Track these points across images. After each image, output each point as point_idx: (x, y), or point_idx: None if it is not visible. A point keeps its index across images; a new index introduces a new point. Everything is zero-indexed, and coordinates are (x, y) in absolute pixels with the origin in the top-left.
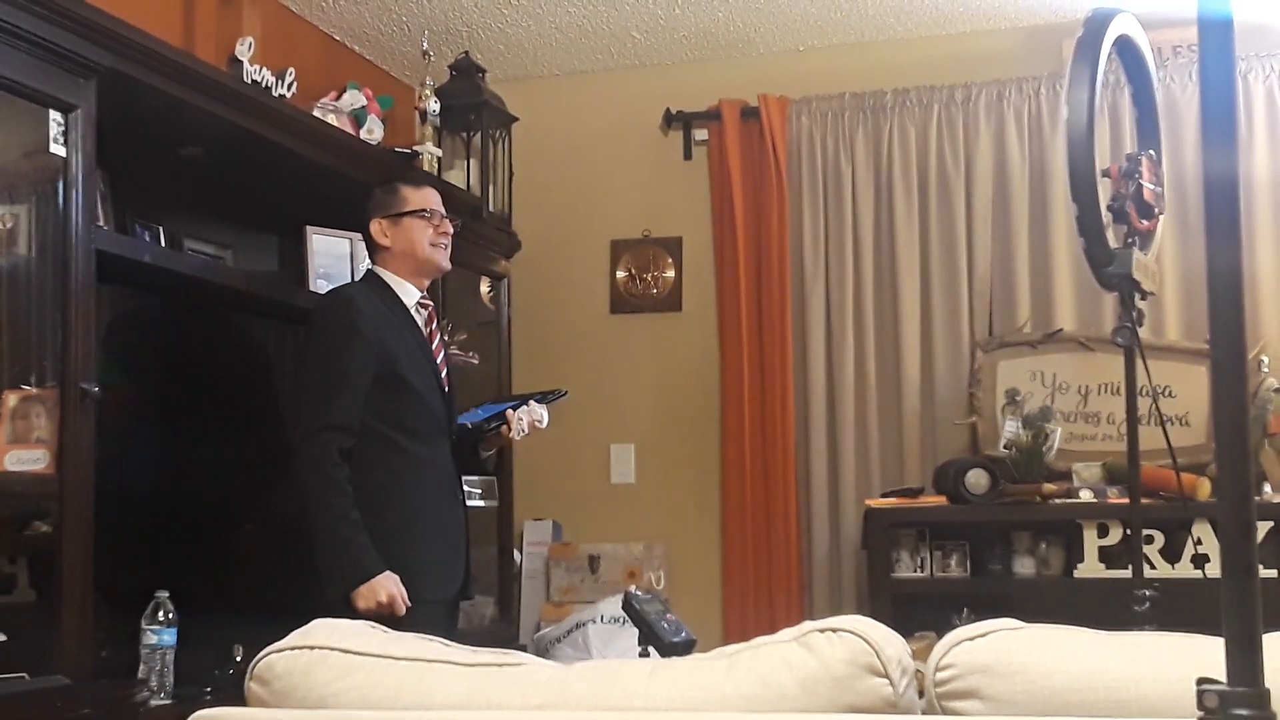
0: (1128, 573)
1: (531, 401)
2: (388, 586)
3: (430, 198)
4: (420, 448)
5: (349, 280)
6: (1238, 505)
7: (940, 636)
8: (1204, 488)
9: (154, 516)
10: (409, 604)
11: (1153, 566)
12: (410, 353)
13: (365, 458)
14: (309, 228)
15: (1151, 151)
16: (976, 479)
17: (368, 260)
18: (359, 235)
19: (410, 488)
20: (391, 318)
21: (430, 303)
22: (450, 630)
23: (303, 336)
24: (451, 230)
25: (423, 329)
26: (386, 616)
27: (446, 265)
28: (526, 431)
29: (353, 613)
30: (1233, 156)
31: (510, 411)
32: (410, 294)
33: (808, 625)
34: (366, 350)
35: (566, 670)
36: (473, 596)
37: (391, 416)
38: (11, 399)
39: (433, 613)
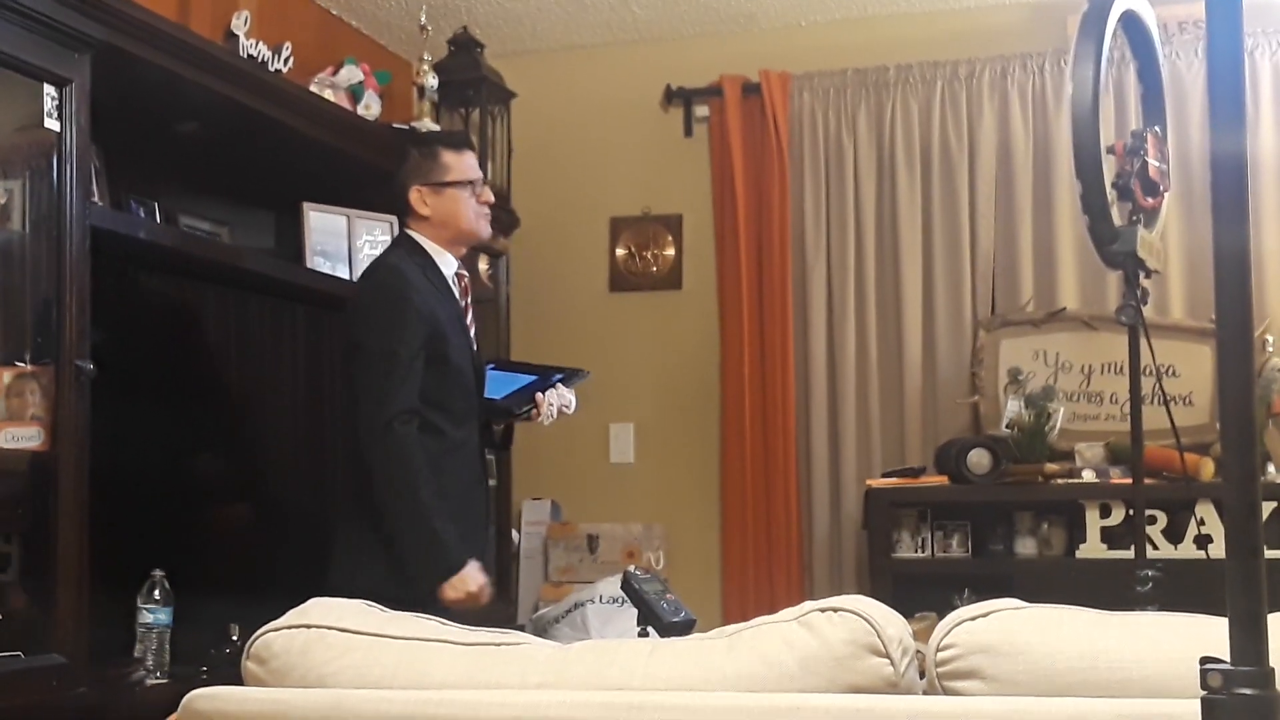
0: (1130, 553)
1: (559, 385)
2: (476, 577)
3: (471, 164)
4: (456, 430)
5: (345, 256)
6: (1243, 485)
7: (941, 617)
8: (1207, 468)
9: (149, 494)
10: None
11: (1155, 547)
12: (453, 329)
13: None
14: (305, 204)
15: (1157, 128)
16: (978, 459)
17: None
18: (356, 211)
19: (445, 472)
20: (435, 291)
21: (466, 274)
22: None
23: (351, 312)
24: (492, 198)
25: (460, 301)
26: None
27: (489, 234)
28: (555, 417)
29: (438, 604)
30: (1240, 134)
31: (539, 395)
32: (449, 264)
33: (808, 605)
34: (423, 331)
35: (565, 650)
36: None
37: (433, 398)
38: (5, 376)
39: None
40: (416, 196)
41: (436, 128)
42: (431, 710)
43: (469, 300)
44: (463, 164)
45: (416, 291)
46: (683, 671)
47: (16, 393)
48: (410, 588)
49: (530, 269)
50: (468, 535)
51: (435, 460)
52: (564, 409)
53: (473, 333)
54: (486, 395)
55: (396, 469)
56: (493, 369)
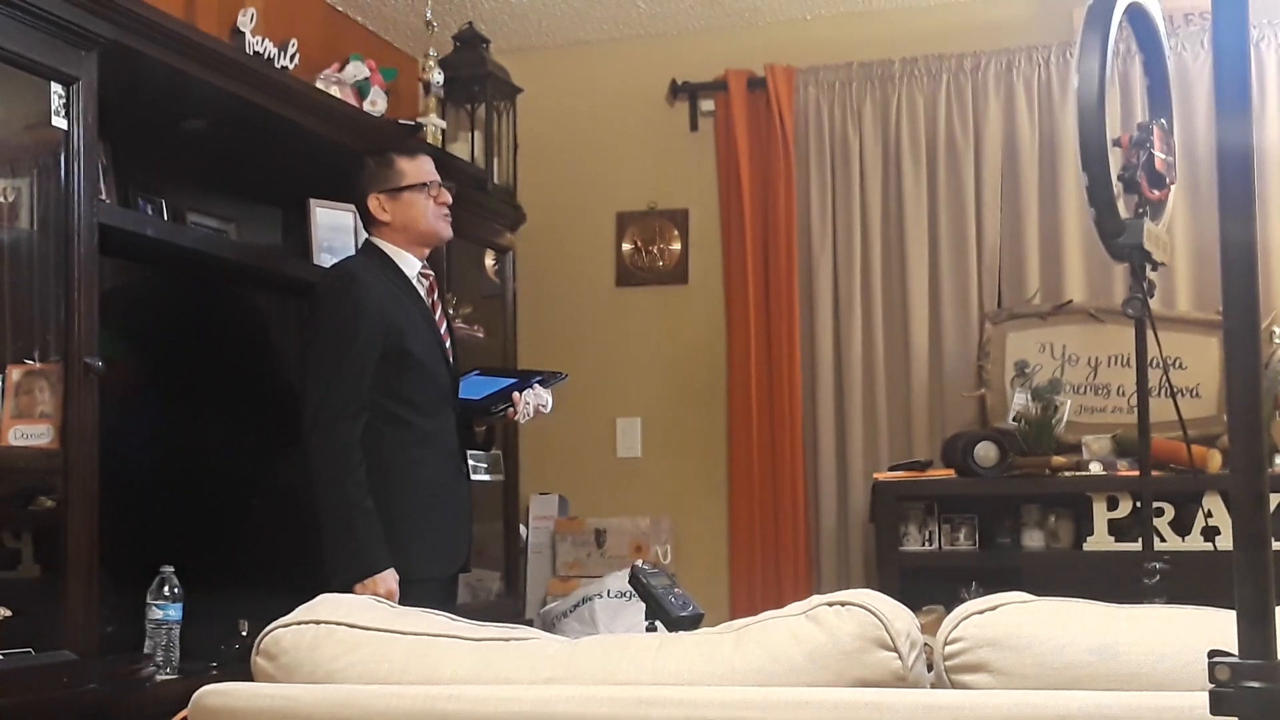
0: (1137, 546)
1: (536, 385)
2: (388, 583)
3: (426, 168)
4: (426, 422)
5: (352, 252)
6: (1251, 477)
7: (949, 610)
8: (1214, 460)
9: (158, 491)
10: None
11: (1163, 539)
12: (415, 325)
13: (371, 434)
14: (312, 200)
15: (1163, 120)
16: (985, 452)
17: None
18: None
19: (416, 463)
20: (395, 290)
21: (432, 272)
22: (450, 604)
23: (306, 314)
24: (450, 198)
25: (425, 300)
26: None
27: (449, 234)
28: (531, 416)
29: None
30: (1246, 126)
31: (516, 394)
32: (411, 264)
33: (816, 599)
34: (372, 328)
35: (573, 645)
36: (470, 569)
37: (397, 391)
38: (15, 374)
39: (436, 589)
40: (375, 204)
41: (443, 124)
42: (441, 705)
43: (436, 297)
44: (417, 168)
45: (365, 289)
46: (691, 666)
47: (26, 390)
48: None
49: (536, 264)
50: (441, 529)
51: (405, 449)
52: (540, 408)
53: (444, 328)
54: (466, 395)
55: (326, 464)
56: (477, 374)
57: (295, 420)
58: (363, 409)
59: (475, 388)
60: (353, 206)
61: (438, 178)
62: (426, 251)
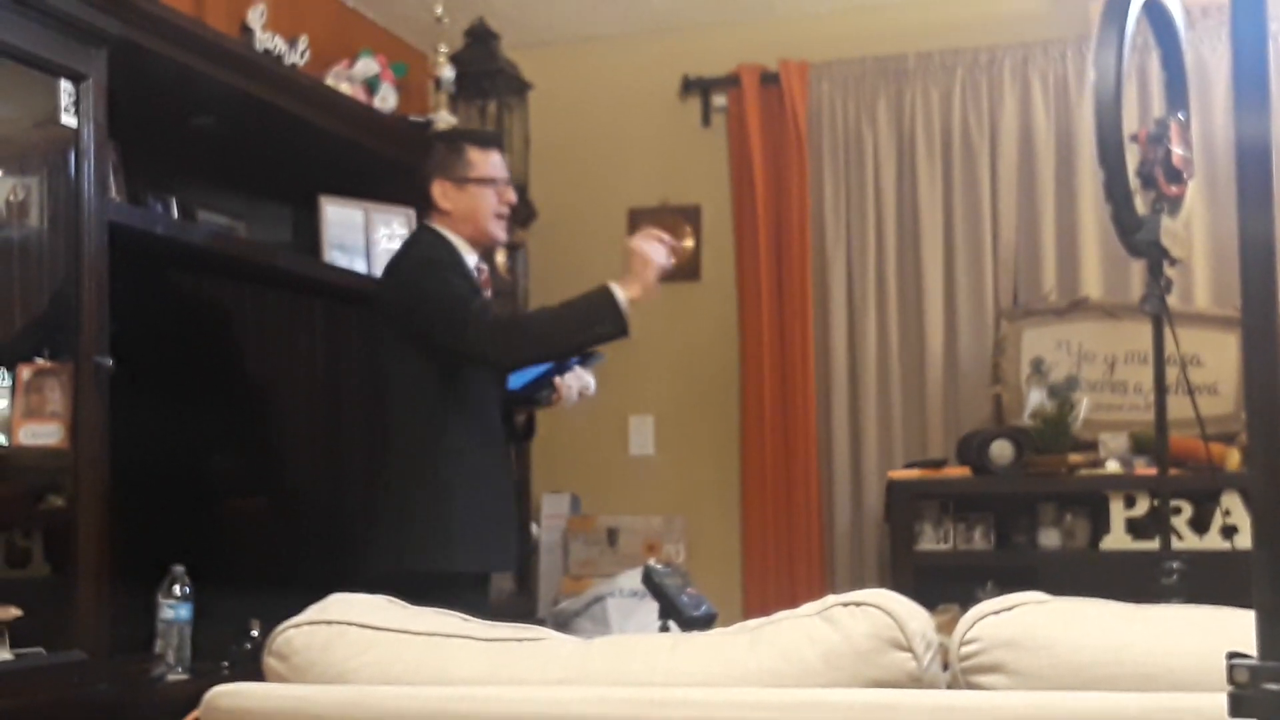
0: (1155, 544)
1: (575, 368)
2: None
3: (496, 164)
4: (481, 415)
5: (363, 249)
6: (1270, 475)
7: (964, 609)
8: (1233, 458)
9: (169, 490)
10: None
11: (1180, 538)
12: None
13: (435, 423)
14: (322, 197)
15: (1181, 115)
16: (1001, 450)
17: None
18: (373, 204)
19: (470, 455)
20: (463, 275)
21: (485, 267)
22: (485, 602)
23: (394, 289)
24: (515, 199)
25: (481, 293)
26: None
27: (504, 238)
28: (576, 400)
29: (437, 586)
30: (1265, 120)
31: (559, 379)
32: (470, 259)
33: (830, 599)
34: (465, 284)
35: (586, 645)
36: (513, 569)
37: (456, 383)
38: (25, 373)
39: (477, 585)
40: (439, 190)
41: (453, 120)
42: (453, 706)
43: (489, 294)
44: (487, 162)
45: (453, 268)
46: (704, 667)
47: (36, 389)
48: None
49: (548, 261)
50: (489, 524)
51: (464, 438)
52: (584, 391)
53: None
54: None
55: (512, 329)
56: None
57: (304, 417)
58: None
59: (514, 377)
60: (363, 204)
61: (506, 175)
62: (480, 251)
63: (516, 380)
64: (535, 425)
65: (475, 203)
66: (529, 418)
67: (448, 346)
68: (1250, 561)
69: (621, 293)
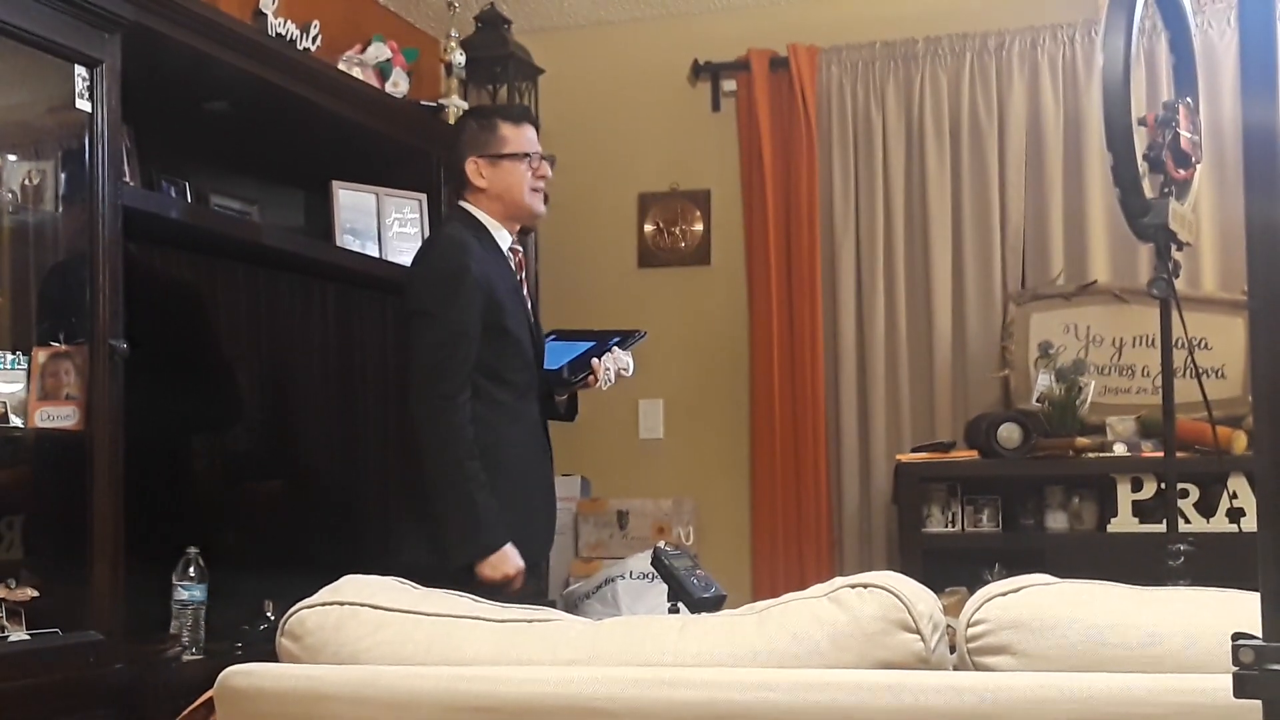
0: (1162, 527)
1: (614, 348)
2: (514, 559)
3: (529, 137)
4: (517, 402)
5: (375, 234)
6: (1277, 458)
7: (971, 592)
8: (1239, 441)
9: (183, 472)
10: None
11: (1187, 521)
12: (511, 301)
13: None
14: (335, 182)
15: (1189, 99)
16: (1009, 433)
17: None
18: (385, 189)
19: (509, 443)
20: (493, 263)
21: (520, 249)
22: (542, 587)
23: (410, 279)
24: (549, 172)
25: (515, 274)
26: (499, 588)
27: (542, 210)
28: (613, 381)
29: (471, 581)
30: (1273, 104)
31: (595, 361)
32: (504, 238)
33: (838, 581)
34: (478, 296)
35: (596, 626)
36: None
37: (492, 369)
38: (40, 356)
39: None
40: (473, 168)
41: (465, 105)
42: (464, 686)
43: (523, 275)
44: (521, 137)
45: (475, 260)
46: (713, 648)
47: (51, 372)
48: (444, 562)
49: (559, 245)
50: (531, 510)
51: (497, 429)
52: (622, 372)
53: (529, 306)
54: (545, 367)
55: (445, 440)
56: (553, 339)
57: (317, 400)
58: (471, 386)
59: (553, 355)
60: (375, 189)
61: (540, 149)
62: (517, 227)
63: (555, 361)
64: (578, 405)
65: (510, 178)
66: (572, 398)
67: (410, 391)
68: (1256, 544)
69: (487, 565)
